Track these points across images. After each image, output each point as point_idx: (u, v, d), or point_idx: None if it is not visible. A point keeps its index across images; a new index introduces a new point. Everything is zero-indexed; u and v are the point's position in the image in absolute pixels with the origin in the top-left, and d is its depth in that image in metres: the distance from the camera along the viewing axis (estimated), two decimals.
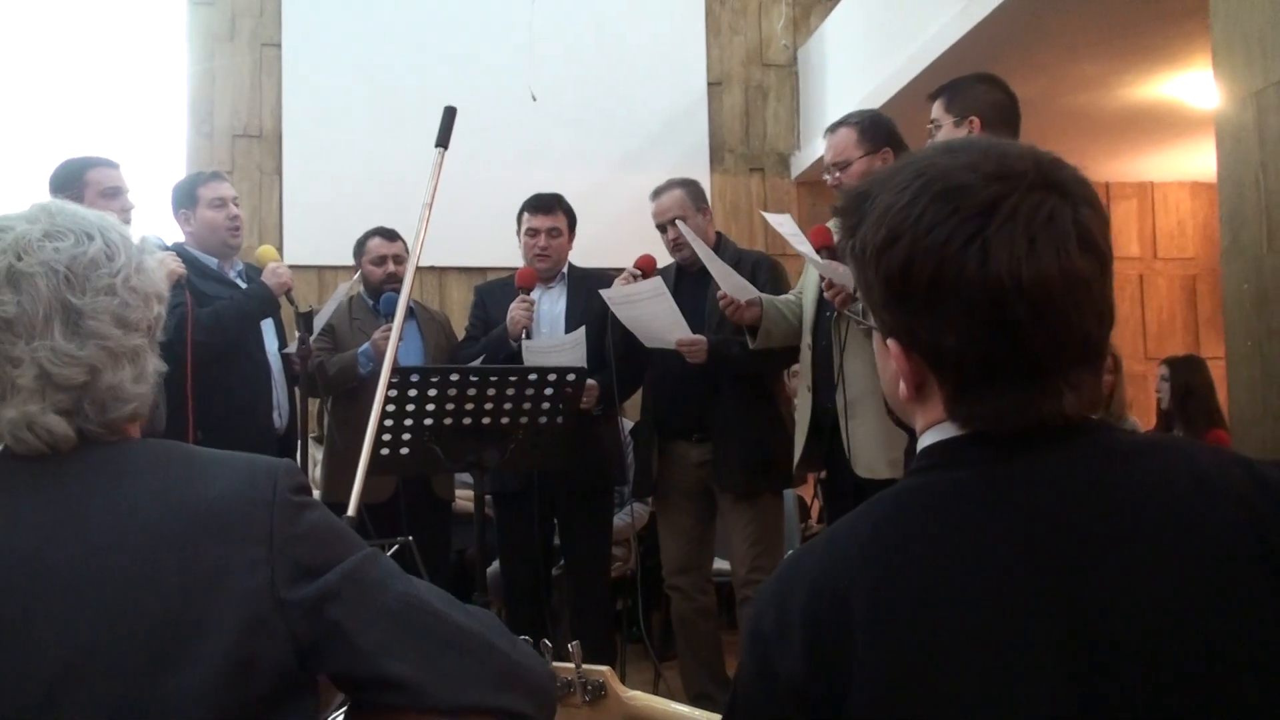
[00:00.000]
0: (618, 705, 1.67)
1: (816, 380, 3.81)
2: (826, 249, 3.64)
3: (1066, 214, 1.06)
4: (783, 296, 4.06)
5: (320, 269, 6.83)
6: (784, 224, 3.72)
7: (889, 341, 1.14)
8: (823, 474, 4.21)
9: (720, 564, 4.71)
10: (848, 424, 3.64)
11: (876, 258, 1.10)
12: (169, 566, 1.21)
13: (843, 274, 3.52)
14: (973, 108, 3.32)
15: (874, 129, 3.77)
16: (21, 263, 1.26)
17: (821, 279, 3.67)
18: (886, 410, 1.20)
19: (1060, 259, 1.05)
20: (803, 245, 3.62)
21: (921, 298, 1.07)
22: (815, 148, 7.30)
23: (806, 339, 3.87)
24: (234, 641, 1.20)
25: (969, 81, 3.42)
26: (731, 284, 3.91)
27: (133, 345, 1.32)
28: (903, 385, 1.15)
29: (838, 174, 3.76)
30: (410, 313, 4.74)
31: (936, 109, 3.40)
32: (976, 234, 1.05)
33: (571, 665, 1.68)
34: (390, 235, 4.84)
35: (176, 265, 3.88)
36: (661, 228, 4.40)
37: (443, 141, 2.72)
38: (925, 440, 1.15)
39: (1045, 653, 1.00)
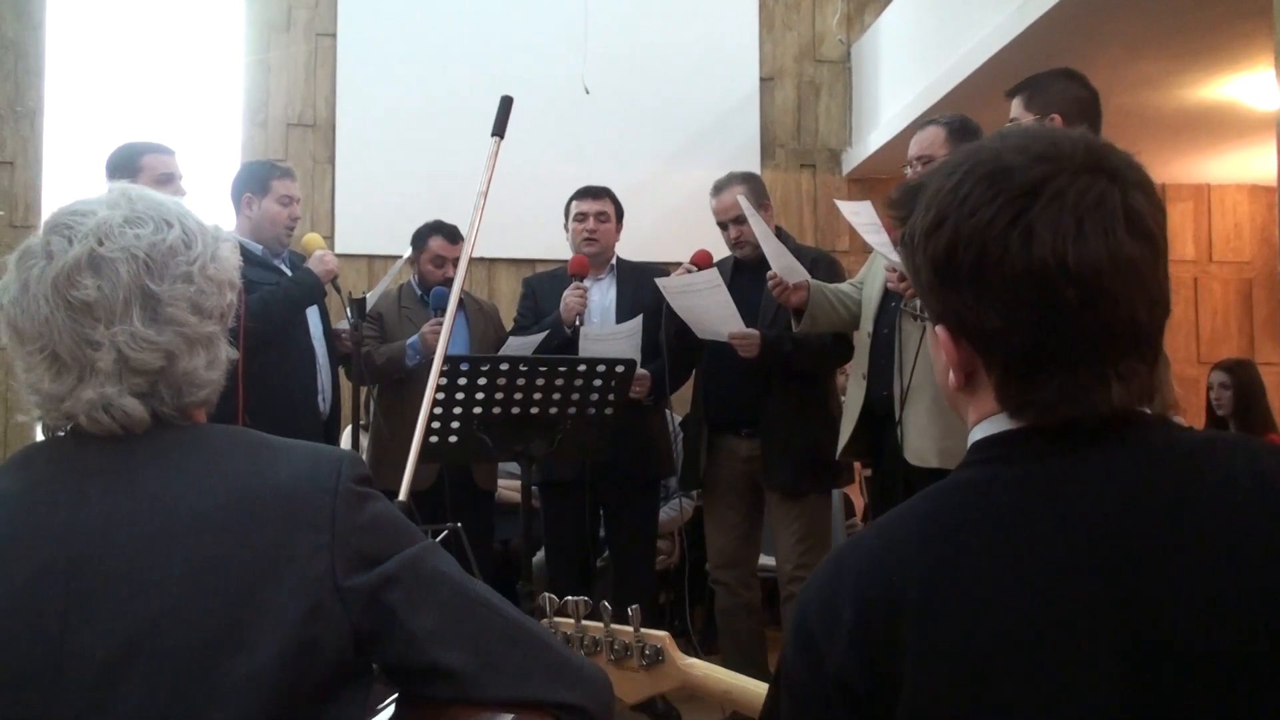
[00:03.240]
0: (675, 671, 1.66)
1: (873, 369, 3.80)
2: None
3: (1115, 197, 1.04)
4: (835, 285, 4.05)
5: (371, 258, 6.87)
6: (860, 213, 3.69)
7: (938, 328, 1.13)
8: (868, 471, 4.20)
9: (765, 559, 4.70)
10: (903, 411, 3.62)
11: (924, 241, 1.09)
12: (233, 550, 1.22)
13: None
14: (1054, 105, 3.26)
15: (962, 131, 3.74)
16: (103, 248, 1.27)
17: (889, 269, 3.66)
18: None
19: (1108, 242, 1.03)
20: (877, 235, 3.60)
21: (966, 280, 1.06)
22: (867, 144, 7.27)
23: (867, 327, 3.86)
24: (294, 626, 1.20)
25: (1050, 78, 3.36)
26: (782, 264, 3.91)
27: (207, 332, 1.33)
28: (952, 375, 1.13)
29: (920, 169, 3.74)
30: (459, 304, 4.75)
31: (1016, 107, 3.36)
32: (1020, 215, 1.03)
33: (630, 628, 1.68)
34: (453, 236, 4.82)
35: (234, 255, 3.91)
36: (723, 224, 4.38)
37: (499, 131, 2.73)
38: (976, 434, 1.13)
39: (1100, 654, 0.98)
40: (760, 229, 4.02)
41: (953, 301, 1.08)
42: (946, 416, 3.45)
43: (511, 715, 1.28)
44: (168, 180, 3.91)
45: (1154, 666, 0.97)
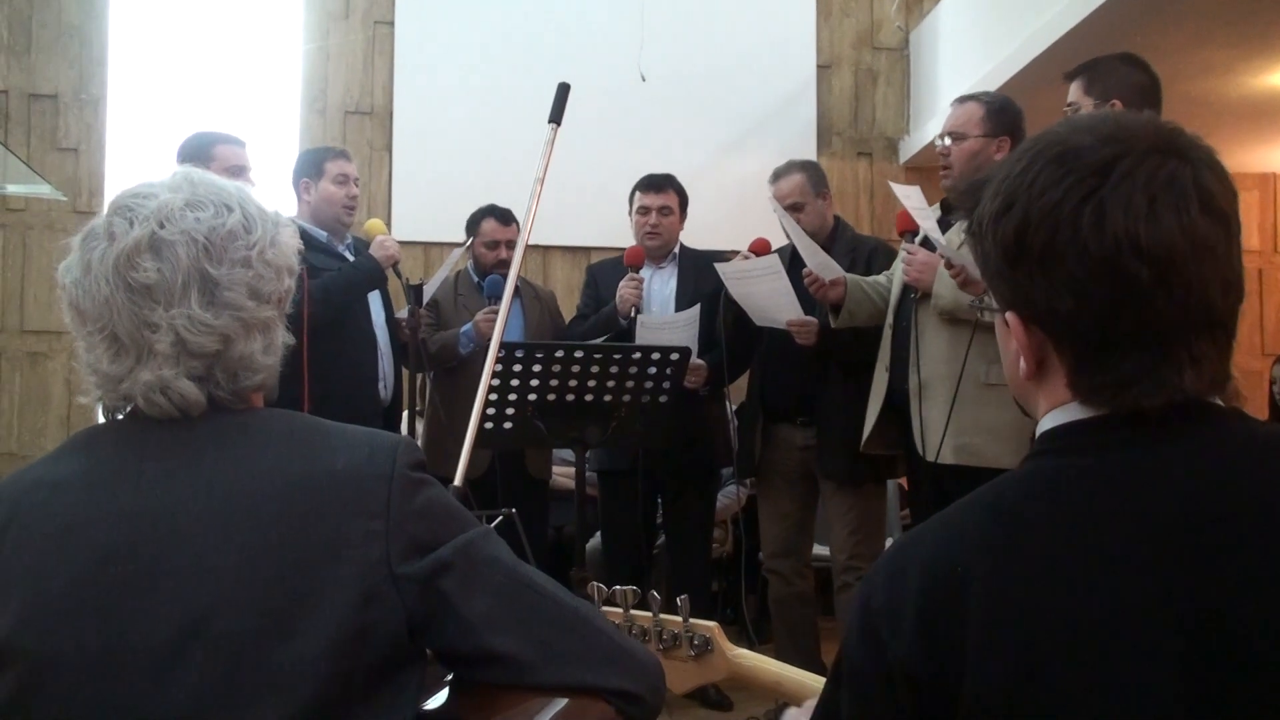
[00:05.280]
0: (724, 661, 1.65)
1: (894, 360, 3.78)
2: (910, 233, 3.63)
3: (1186, 175, 1.03)
4: (871, 278, 4.03)
5: (427, 245, 6.91)
6: (910, 196, 3.65)
7: (1007, 315, 1.11)
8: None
9: (819, 549, 4.68)
10: (918, 405, 3.60)
11: (993, 225, 1.09)
12: (289, 535, 1.23)
13: (962, 254, 3.47)
14: (1115, 90, 3.20)
15: (1001, 113, 3.67)
16: (164, 230, 1.28)
17: (906, 263, 3.65)
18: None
19: (1181, 221, 1.02)
20: (927, 221, 3.57)
21: (1037, 262, 1.05)
22: (925, 132, 7.21)
23: (889, 319, 3.84)
24: (349, 612, 1.21)
25: (1111, 62, 3.30)
26: (817, 261, 3.90)
27: (264, 317, 1.34)
28: (1023, 363, 1.12)
29: (948, 142, 3.69)
30: (515, 290, 4.77)
31: (1075, 90, 3.29)
32: (1091, 194, 1.03)
33: (679, 618, 1.67)
34: (505, 218, 4.86)
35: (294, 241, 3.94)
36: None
37: (556, 117, 2.74)
38: (1046, 423, 1.12)
39: (1161, 651, 0.97)
40: (792, 228, 4.00)
41: (1023, 285, 1.08)
42: (962, 412, 3.42)
43: (566, 700, 1.29)
44: (238, 172, 3.96)
45: (1215, 665, 0.96)
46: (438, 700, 1.34)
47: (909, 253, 3.63)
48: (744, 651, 1.67)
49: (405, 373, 4.47)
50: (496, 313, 4.33)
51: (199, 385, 1.29)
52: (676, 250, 4.70)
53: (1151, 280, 1.01)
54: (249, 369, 1.33)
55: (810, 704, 1.39)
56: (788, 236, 4.27)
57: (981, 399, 3.40)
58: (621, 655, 1.34)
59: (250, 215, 1.35)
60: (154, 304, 1.27)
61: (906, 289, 3.75)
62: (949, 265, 3.45)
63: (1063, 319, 1.06)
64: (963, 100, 3.77)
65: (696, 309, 4.31)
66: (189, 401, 1.29)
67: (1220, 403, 1.08)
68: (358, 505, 1.25)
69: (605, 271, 4.78)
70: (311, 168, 4.37)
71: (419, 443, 4.79)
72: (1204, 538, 0.99)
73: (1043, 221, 1.04)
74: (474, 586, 1.28)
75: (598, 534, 5.04)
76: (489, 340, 4.34)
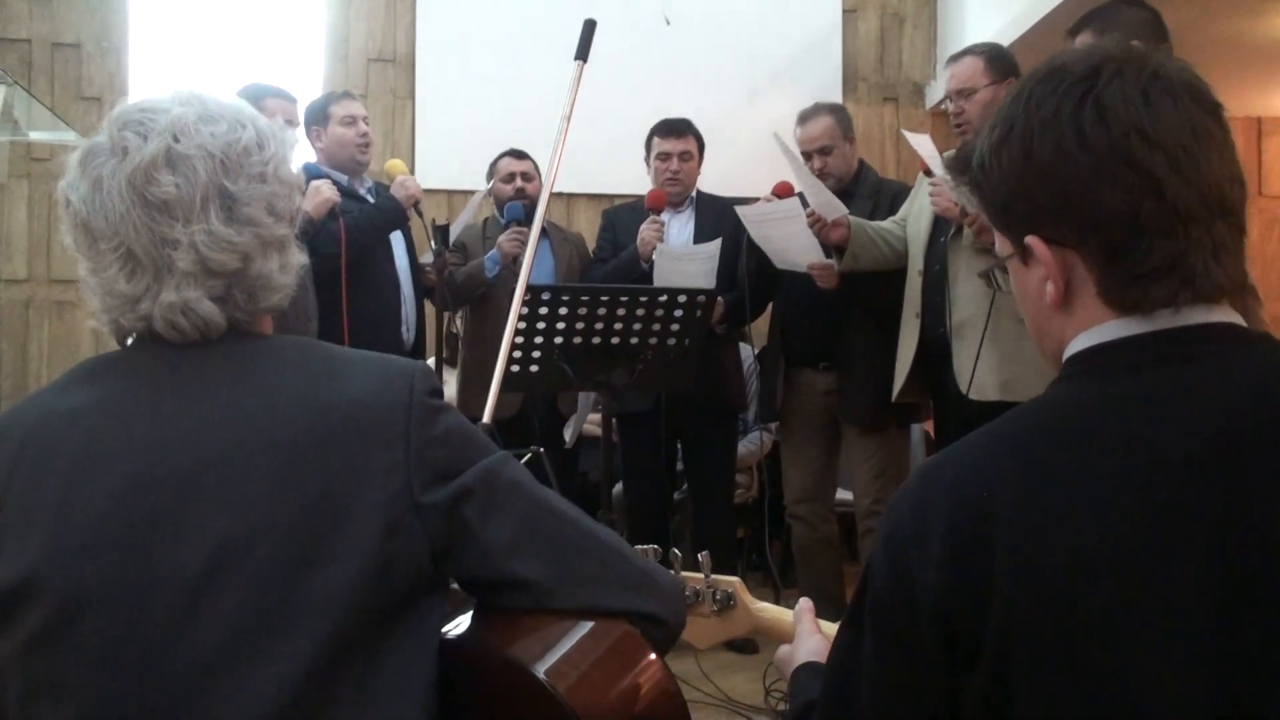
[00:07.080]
0: (746, 616, 1.65)
1: (926, 307, 3.76)
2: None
3: (1170, 72, 1.08)
4: (877, 223, 4.00)
5: (450, 192, 6.89)
6: (923, 144, 3.65)
7: (1029, 240, 1.11)
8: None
9: (843, 494, 4.69)
10: (957, 346, 3.58)
11: (997, 153, 1.11)
12: (311, 465, 1.21)
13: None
14: (1130, 33, 3.17)
15: (1000, 58, 3.72)
16: (179, 145, 1.25)
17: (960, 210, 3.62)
18: None
19: (1178, 108, 1.06)
20: (940, 168, 3.55)
21: (1049, 168, 1.07)
22: None
23: (918, 264, 3.82)
24: (372, 542, 1.20)
25: (1114, 9, 3.27)
26: (819, 200, 3.87)
27: (280, 235, 1.32)
28: (1050, 288, 1.11)
29: (962, 102, 3.69)
30: (544, 233, 4.80)
31: (1086, 41, 3.27)
32: (1087, 94, 1.06)
33: (701, 575, 1.68)
34: (519, 154, 4.94)
35: (331, 193, 3.98)
36: (807, 155, 4.32)
37: (582, 54, 2.73)
38: (1074, 346, 1.12)
39: (1193, 579, 0.96)
40: (796, 165, 3.99)
41: (1040, 196, 1.09)
42: (1004, 348, 3.41)
43: (592, 623, 1.29)
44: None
45: (1249, 586, 0.95)
46: (461, 626, 1.34)
47: (934, 184, 3.61)
48: (767, 605, 1.68)
49: (429, 317, 4.47)
50: (520, 234, 4.36)
51: (220, 306, 1.27)
52: (694, 195, 4.69)
53: (1166, 167, 1.04)
54: (267, 288, 1.31)
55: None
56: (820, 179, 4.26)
57: (1021, 334, 3.39)
58: (642, 578, 1.34)
59: (262, 131, 1.33)
60: (173, 221, 1.24)
61: (936, 231, 3.73)
62: (964, 214, 3.44)
63: (1086, 217, 1.07)
64: (957, 58, 3.79)
65: (717, 243, 4.30)
66: (210, 324, 1.27)
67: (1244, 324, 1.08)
68: (377, 435, 1.24)
69: (622, 215, 4.78)
70: (318, 115, 4.42)
71: (455, 385, 4.81)
72: (1235, 458, 0.99)
73: (1045, 130, 1.07)
74: (495, 513, 1.27)
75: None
76: (512, 260, 4.36)
